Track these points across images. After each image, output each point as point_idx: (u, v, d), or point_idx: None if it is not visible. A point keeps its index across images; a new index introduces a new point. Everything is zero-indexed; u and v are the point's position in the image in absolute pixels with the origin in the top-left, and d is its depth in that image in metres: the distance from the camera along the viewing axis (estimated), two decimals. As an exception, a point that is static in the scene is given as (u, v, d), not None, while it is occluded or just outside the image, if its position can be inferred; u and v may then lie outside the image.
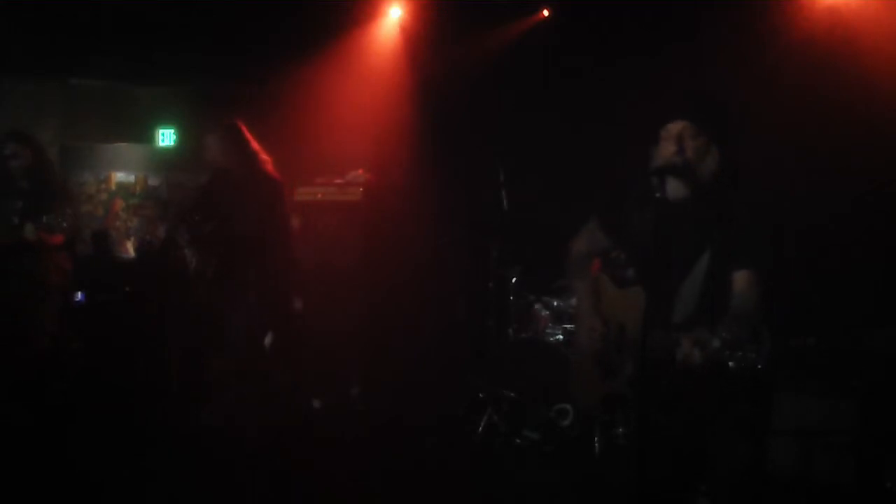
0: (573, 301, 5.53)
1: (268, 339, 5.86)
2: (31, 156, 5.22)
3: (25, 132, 5.39)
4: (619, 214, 2.97)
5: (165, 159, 8.51)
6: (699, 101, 2.89)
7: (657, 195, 2.66)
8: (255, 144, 4.70)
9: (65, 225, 4.98)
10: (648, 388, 2.68)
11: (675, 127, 2.78)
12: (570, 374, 3.32)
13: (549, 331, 5.47)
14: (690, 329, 2.62)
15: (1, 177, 5.22)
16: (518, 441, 5.20)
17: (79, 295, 6.31)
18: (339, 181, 6.35)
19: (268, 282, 4.66)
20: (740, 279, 2.70)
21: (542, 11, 6.80)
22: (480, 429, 5.35)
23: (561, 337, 5.36)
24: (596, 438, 4.96)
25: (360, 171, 6.40)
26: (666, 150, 2.77)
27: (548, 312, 5.60)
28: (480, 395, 5.65)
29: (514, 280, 5.71)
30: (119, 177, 8.72)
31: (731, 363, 2.46)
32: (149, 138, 8.49)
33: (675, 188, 2.77)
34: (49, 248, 5.12)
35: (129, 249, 8.44)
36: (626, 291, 3.07)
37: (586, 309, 3.13)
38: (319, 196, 6.32)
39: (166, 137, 8.43)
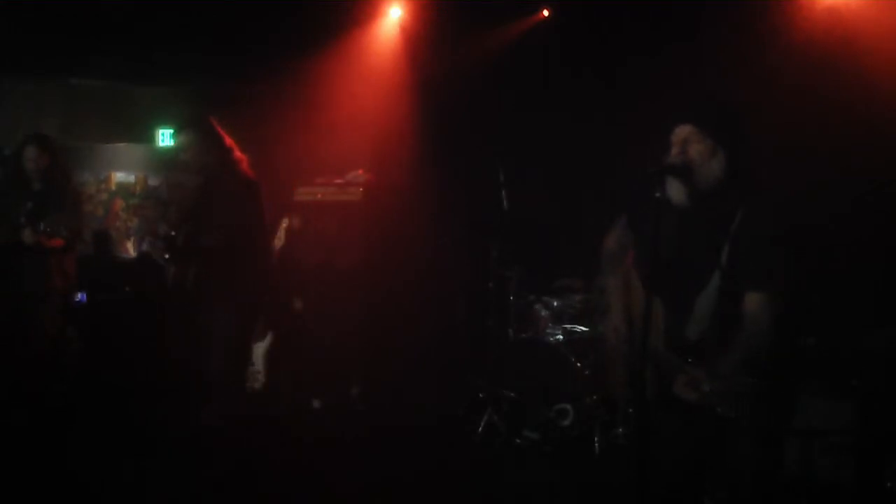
0: (573, 301, 5.55)
1: (266, 341, 5.88)
2: (48, 159, 5.27)
3: (48, 137, 5.43)
4: (640, 215, 2.96)
5: (165, 159, 8.50)
6: (706, 106, 2.89)
7: (656, 195, 2.65)
8: (228, 142, 4.60)
9: (65, 232, 4.96)
10: (649, 390, 2.68)
11: (682, 131, 2.78)
12: (607, 372, 3.35)
13: (549, 331, 5.46)
14: (698, 354, 2.66)
15: (16, 178, 5.26)
16: (518, 441, 5.20)
17: (79, 295, 6.32)
18: (339, 181, 6.36)
19: (248, 285, 4.56)
20: (751, 300, 2.69)
21: (542, 11, 6.80)
22: (480, 429, 5.35)
23: (561, 337, 5.35)
24: (596, 438, 4.96)
25: (360, 171, 6.40)
26: (671, 153, 2.77)
27: (548, 312, 5.59)
28: (480, 395, 5.65)
29: (514, 280, 5.71)
30: (119, 177, 8.72)
31: (718, 409, 2.59)
32: (149, 138, 8.48)
33: (678, 191, 2.76)
34: (49, 251, 5.11)
35: (129, 249, 8.43)
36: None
37: (615, 307, 3.12)
38: (319, 196, 6.33)
39: (166, 137, 8.42)
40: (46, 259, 5.15)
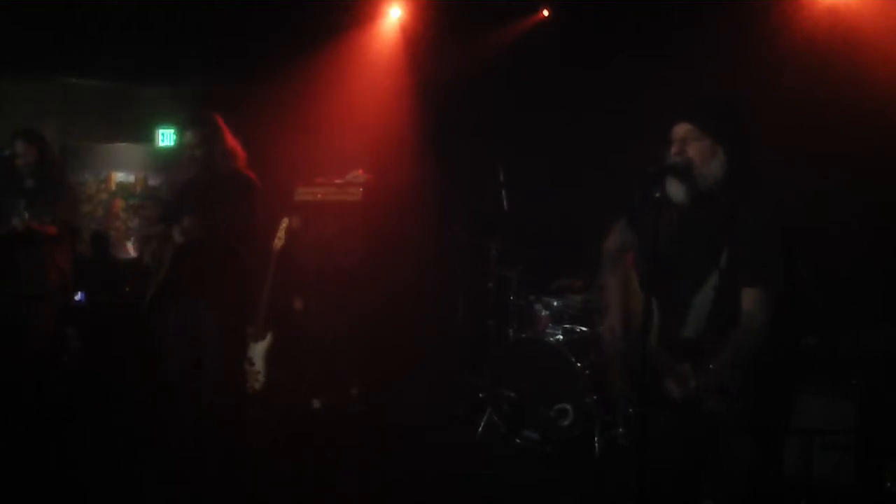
0: (573, 301, 5.54)
1: (266, 341, 5.88)
2: (38, 154, 5.21)
3: (34, 131, 5.36)
4: (640, 215, 2.95)
5: (165, 159, 8.52)
6: (706, 104, 2.89)
7: (657, 195, 2.65)
8: (230, 139, 4.59)
9: (52, 218, 4.89)
10: (649, 390, 2.68)
11: (680, 129, 2.77)
12: (607, 371, 3.35)
13: (549, 331, 5.46)
14: (696, 352, 2.66)
15: (7, 175, 5.20)
16: (518, 441, 5.20)
17: (79, 295, 6.30)
18: (339, 181, 6.35)
19: (236, 283, 4.54)
20: (748, 296, 2.69)
21: (542, 11, 6.80)
22: (480, 429, 5.35)
23: (561, 337, 5.35)
24: (596, 438, 4.96)
25: (360, 171, 6.39)
26: (671, 152, 2.77)
27: (548, 312, 5.59)
28: (480, 395, 5.64)
29: (514, 280, 5.71)
30: (119, 177, 8.73)
31: (705, 406, 2.59)
32: (149, 138, 8.49)
33: (677, 191, 2.76)
34: (42, 243, 5.04)
35: (129, 249, 8.44)
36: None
37: (613, 307, 3.12)
38: (319, 196, 6.32)
39: (166, 137, 8.43)
40: (41, 255, 5.09)
